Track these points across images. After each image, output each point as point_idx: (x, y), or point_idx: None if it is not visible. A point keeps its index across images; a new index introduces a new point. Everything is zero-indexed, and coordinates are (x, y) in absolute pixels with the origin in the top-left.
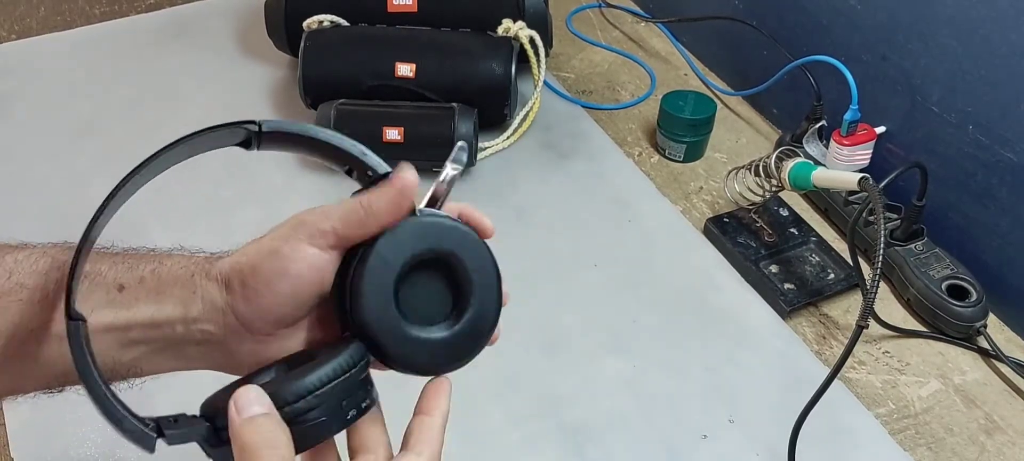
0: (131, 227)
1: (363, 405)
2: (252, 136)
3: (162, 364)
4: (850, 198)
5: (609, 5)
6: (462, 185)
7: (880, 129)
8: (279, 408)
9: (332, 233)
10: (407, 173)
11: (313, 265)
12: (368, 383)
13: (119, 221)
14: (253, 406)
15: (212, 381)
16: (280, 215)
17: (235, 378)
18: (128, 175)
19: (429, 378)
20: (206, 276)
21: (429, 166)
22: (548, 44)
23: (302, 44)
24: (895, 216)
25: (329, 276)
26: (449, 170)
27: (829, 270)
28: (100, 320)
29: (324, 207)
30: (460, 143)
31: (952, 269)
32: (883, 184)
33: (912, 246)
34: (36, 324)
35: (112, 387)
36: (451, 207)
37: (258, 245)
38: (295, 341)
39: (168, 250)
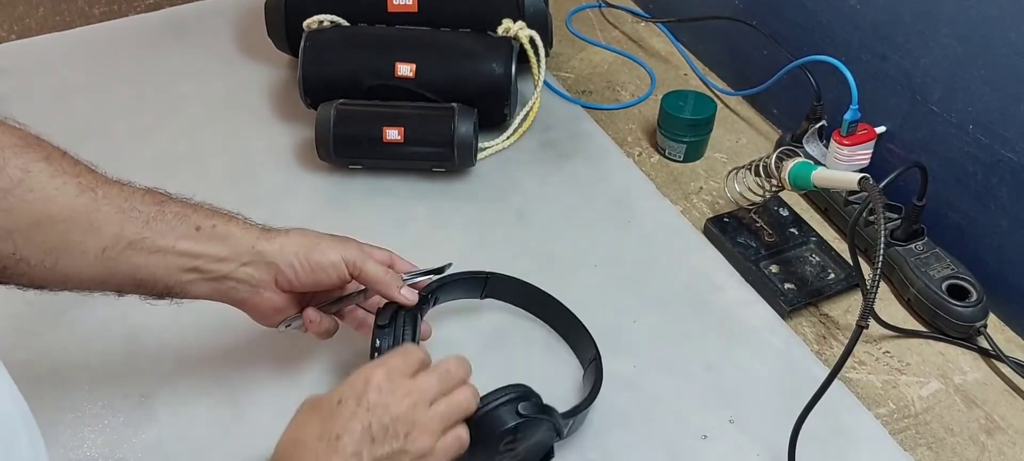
0: None
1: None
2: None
3: (204, 291)
4: (850, 198)
5: (609, 5)
6: (462, 185)
7: (880, 129)
8: None
9: (355, 268)
10: (409, 296)
11: (336, 267)
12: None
13: None
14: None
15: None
16: (282, 216)
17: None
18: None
19: None
20: (264, 237)
21: (429, 166)
22: (548, 44)
23: (302, 44)
24: (895, 216)
25: (339, 280)
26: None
27: (829, 270)
28: (180, 245)
29: (369, 248)
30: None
31: (952, 269)
32: (883, 184)
33: (912, 246)
34: (136, 236)
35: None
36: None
37: (309, 233)
38: (297, 304)
39: (234, 212)
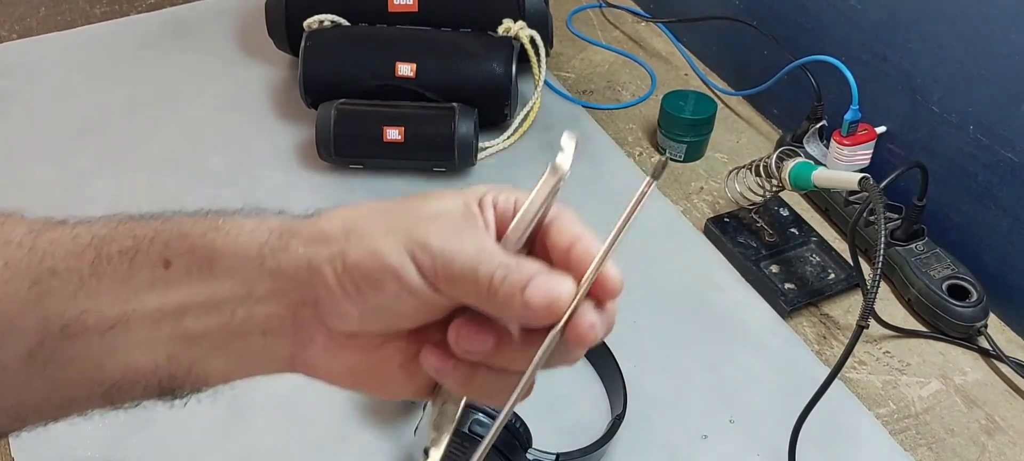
0: None
1: None
2: None
3: (223, 368)
4: (851, 198)
5: (609, 5)
6: (463, 185)
7: (880, 129)
8: None
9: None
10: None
11: (397, 274)
12: None
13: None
14: None
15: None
16: None
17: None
18: None
19: None
20: (284, 236)
21: (429, 166)
22: (548, 44)
23: (302, 44)
24: (896, 216)
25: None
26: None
27: (829, 270)
28: (144, 306)
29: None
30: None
31: (953, 269)
32: (884, 184)
33: (913, 246)
34: (70, 315)
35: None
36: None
37: (360, 210)
38: (377, 357)
39: (235, 211)
